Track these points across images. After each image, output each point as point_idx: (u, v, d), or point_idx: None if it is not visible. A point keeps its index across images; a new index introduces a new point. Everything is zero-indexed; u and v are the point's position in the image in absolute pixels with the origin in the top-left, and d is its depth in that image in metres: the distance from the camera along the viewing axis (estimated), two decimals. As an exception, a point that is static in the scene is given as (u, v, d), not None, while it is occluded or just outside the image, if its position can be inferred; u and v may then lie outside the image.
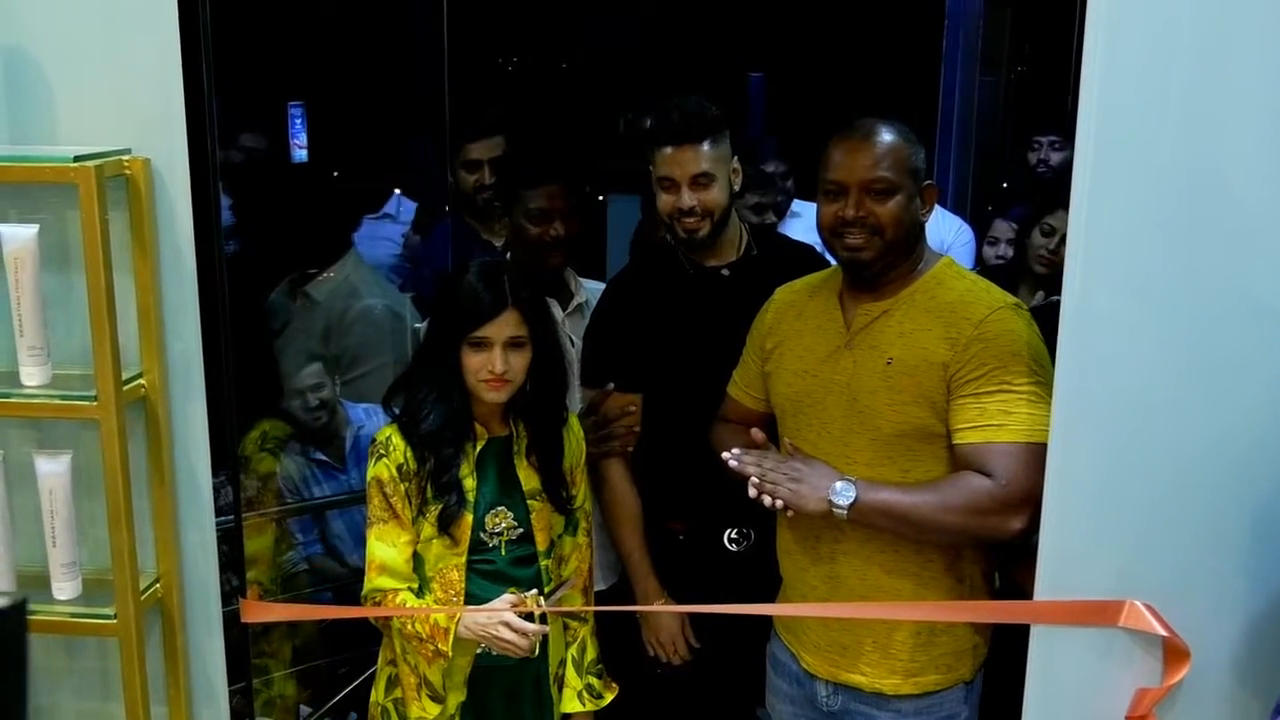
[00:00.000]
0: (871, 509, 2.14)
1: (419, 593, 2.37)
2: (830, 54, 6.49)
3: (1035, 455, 2.05)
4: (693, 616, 2.71)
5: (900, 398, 2.19)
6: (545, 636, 2.37)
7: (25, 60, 2.05)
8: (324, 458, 3.44)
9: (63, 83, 2.06)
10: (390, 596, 2.34)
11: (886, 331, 2.23)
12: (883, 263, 2.23)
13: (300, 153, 4.82)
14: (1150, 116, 1.81)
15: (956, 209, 4.71)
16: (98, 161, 1.97)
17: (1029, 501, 2.04)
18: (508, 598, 2.32)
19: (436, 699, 2.38)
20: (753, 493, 2.19)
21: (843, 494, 2.14)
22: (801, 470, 2.19)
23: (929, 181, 2.26)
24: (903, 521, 2.15)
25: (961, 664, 2.30)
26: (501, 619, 2.28)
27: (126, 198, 2.06)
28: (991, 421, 2.12)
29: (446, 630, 2.29)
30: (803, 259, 2.74)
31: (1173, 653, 1.94)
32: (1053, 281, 3.34)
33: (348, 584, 3.38)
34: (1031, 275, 3.41)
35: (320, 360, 3.37)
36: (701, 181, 2.58)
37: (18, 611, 0.63)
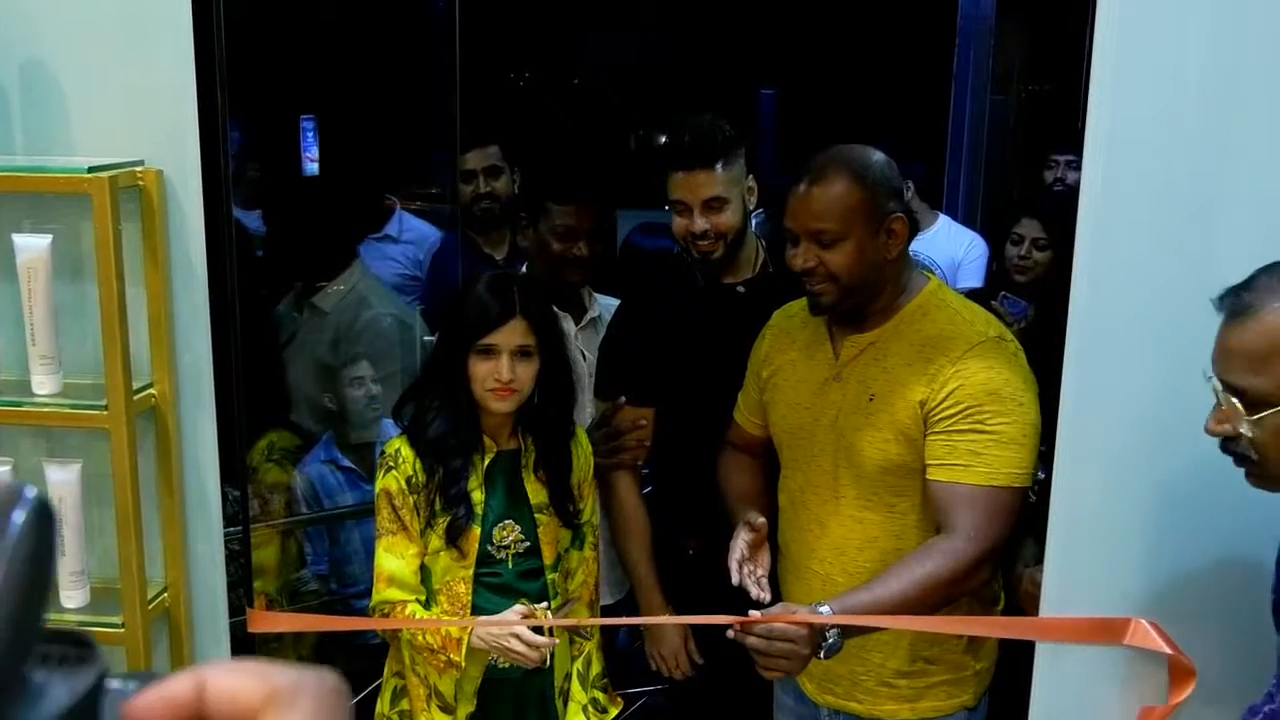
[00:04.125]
0: (859, 628, 2.07)
1: (426, 605, 2.37)
2: (842, 71, 6.50)
3: (999, 500, 2.06)
4: (699, 633, 2.70)
5: (881, 434, 2.17)
6: (551, 651, 2.38)
7: (41, 72, 2.07)
8: (351, 465, 3.46)
9: (78, 94, 2.08)
10: (399, 608, 2.34)
11: (871, 366, 2.21)
12: (844, 306, 2.20)
13: (311, 165, 4.83)
14: (1159, 136, 1.82)
15: (966, 227, 4.72)
16: (111, 173, 1.99)
17: (994, 552, 2.07)
18: (518, 609, 2.33)
19: (447, 710, 2.38)
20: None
21: (827, 640, 2.01)
22: (792, 645, 2.01)
23: (897, 214, 2.17)
24: (891, 622, 2.09)
25: (963, 690, 2.28)
26: (512, 631, 2.28)
27: (139, 209, 2.08)
28: (959, 461, 2.09)
29: (459, 640, 2.29)
30: None
31: (1178, 671, 1.94)
32: (1033, 289, 3.36)
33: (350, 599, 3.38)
34: (1012, 285, 3.42)
35: (328, 369, 3.38)
36: (714, 205, 2.54)
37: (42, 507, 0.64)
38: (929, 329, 2.19)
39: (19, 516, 0.60)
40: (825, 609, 2.01)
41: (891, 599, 2.04)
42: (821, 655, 2.01)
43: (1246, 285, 1.60)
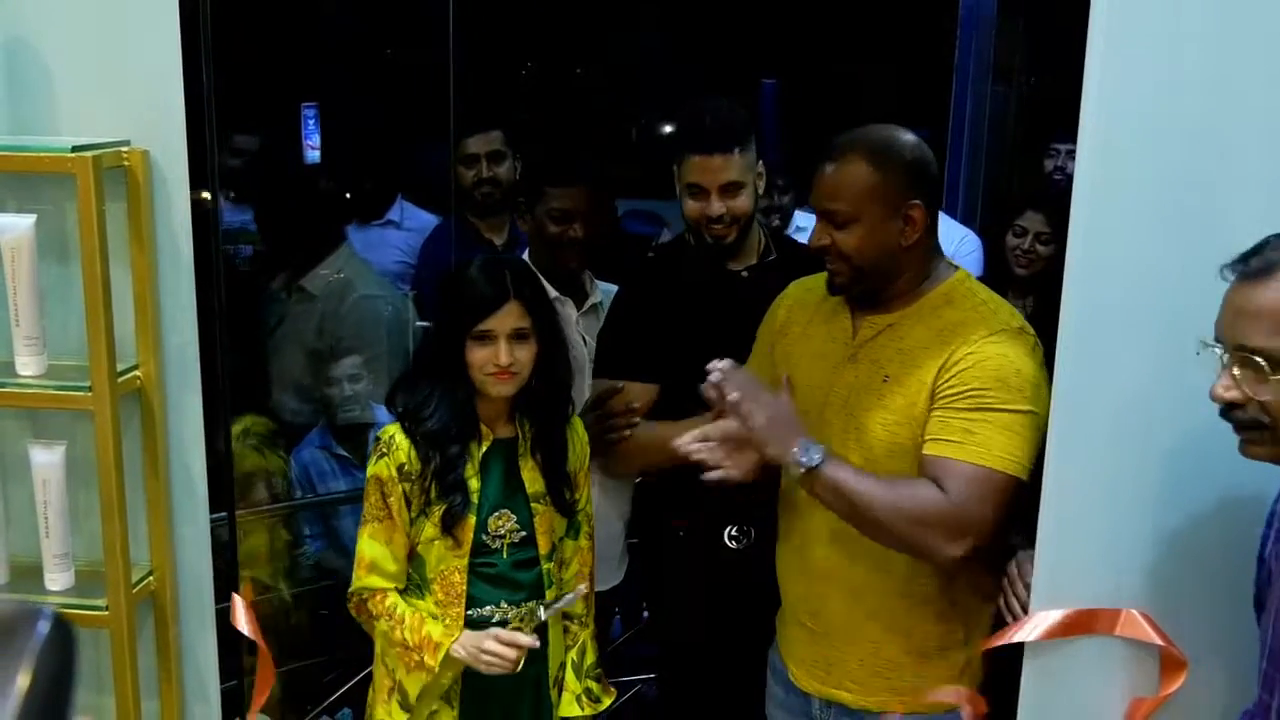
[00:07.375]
0: (826, 482, 2.02)
1: (419, 593, 2.36)
2: (843, 62, 6.49)
3: (991, 483, 1.99)
4: (700, 617, 2.70)
5: (892, 417, 2.13)
6: (546, 640, 2.37)
7: (27, 51, 2.06)
8: (344, 453, 3.45)
9: (63, 74, 2.07)
10: (379, 597, 2.33)
11: (888, 347, 2.18)
12: (859, 288, 2.17)
13: (313, 153, 4.82)
14: (1154, 123, 1.81)
15: (967, 218, 4.69)
16: (95, 152, 1.97)
17: (974, 530, 1.98)
18: (496, 632, 2.30)
19: (405, 708, 2.35)
20: (711, 392, 2.07)
21: (808, 453, 2.00)
22: (784, 413, 2.05)
23: (916, 202, 2.13)
24: (849, 504, 2.03)
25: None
26: (491, 633, 2.26)
27: (125, 189, 2.06)
28: (952, 437, 2.04)
29: (438, 645, 2.27)
30: (820, 263, 2.73)
31: (1169, 662, 1.93)
32: (1034, 282, 3.35)
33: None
34: (1014, 279, 3.41)
35: (315, 354, 3.36)
36: (730, 190, 2.55)
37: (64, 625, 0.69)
38: (951, 315, 2.15)
39: (44, 626, 0.64)
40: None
41: (864, 487, 2.01)
42: (793, 454, 2.00)
43: (1261, 248, 1.57)
